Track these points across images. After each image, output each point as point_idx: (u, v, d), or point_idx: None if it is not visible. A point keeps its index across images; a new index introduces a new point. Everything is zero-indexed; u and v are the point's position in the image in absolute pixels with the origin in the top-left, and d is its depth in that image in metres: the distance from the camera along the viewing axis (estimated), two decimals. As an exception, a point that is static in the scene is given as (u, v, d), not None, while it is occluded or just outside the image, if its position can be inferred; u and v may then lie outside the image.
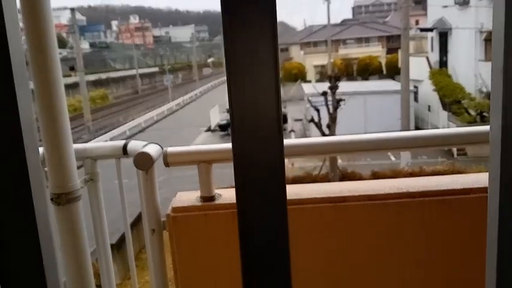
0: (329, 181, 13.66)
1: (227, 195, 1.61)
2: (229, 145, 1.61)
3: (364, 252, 1.59)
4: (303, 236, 1.56)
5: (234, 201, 1.64)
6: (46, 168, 1.49)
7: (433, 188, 1.56)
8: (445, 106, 22.97)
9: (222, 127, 26.69)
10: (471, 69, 23.17)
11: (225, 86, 0.74)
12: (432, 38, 28.23)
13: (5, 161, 0.39)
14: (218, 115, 28.75)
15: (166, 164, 1.59)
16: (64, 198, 1.51)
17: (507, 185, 0.40)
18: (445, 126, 21.72)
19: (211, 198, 1.59)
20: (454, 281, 1.60)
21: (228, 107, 0.68)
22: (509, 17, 0.41)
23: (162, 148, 1.62)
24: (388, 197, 1.54)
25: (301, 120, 25.03)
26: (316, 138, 1.62)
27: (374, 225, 1.57)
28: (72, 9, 31.92)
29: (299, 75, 45.64)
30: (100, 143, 1.73)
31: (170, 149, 1.60)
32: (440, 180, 1.64)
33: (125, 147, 1.68)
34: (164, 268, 1.66)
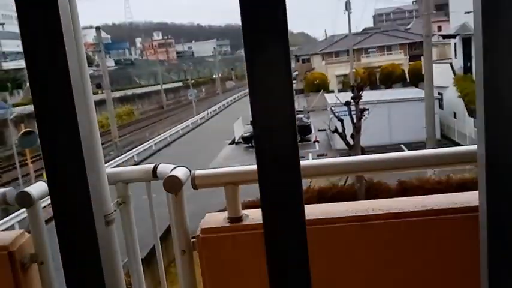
0: (355, 192, 13.56)
1: (254, 215, 1.65)
2: (254, 166, 1.65)
3: (391, 270, 1.59)
4: (331, 254, 1.58)
5: (261, 221, 1.67)
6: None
7: (459, 205, 1.56)
8: (471, 112, 22.55)
9: (245, 139, 26.75)
10: (497, 74, 22.71)
11: (248, 98, 0.77)
12: (455, 44, 27.86)
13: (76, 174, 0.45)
14: (242, 127, 28.85)
15: (195, 187, 1.64)
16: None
17: (495, 204, 0.43)
18: (471, 133, 21.30)
19: (239, 219, 1.63)
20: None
21: (251, 119, 0.71)
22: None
23: (190, 171, 1.67)
24: (413, 215, 1.55)
25: (324, 130, 24.93)
26: (339, 159, 1.65)
27: (400, 243, 1.58)
28: (98, 28, 32.63)
29: (321, 86, 45.54)
30: (131, 167, 1.80)
31: (198, 172, 1.65)
32: (468, 196, 1.64)
33: (154, 170, 1.74)
34: (195, 287, 1.70)
